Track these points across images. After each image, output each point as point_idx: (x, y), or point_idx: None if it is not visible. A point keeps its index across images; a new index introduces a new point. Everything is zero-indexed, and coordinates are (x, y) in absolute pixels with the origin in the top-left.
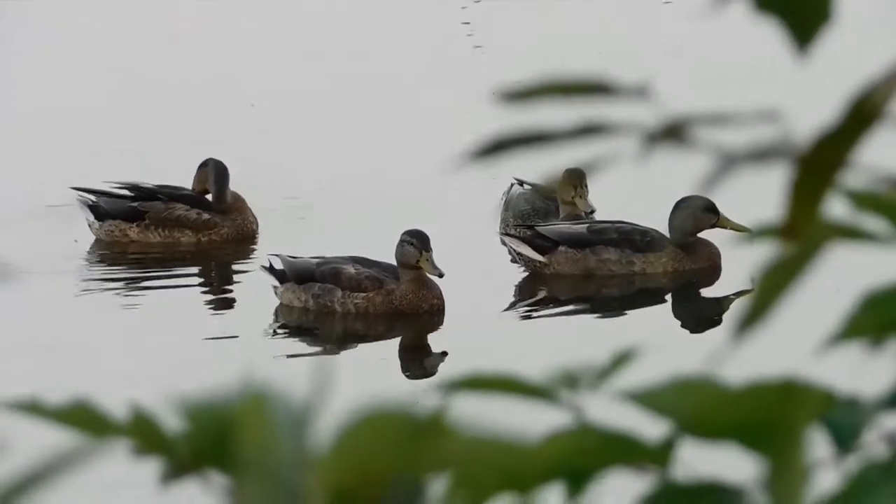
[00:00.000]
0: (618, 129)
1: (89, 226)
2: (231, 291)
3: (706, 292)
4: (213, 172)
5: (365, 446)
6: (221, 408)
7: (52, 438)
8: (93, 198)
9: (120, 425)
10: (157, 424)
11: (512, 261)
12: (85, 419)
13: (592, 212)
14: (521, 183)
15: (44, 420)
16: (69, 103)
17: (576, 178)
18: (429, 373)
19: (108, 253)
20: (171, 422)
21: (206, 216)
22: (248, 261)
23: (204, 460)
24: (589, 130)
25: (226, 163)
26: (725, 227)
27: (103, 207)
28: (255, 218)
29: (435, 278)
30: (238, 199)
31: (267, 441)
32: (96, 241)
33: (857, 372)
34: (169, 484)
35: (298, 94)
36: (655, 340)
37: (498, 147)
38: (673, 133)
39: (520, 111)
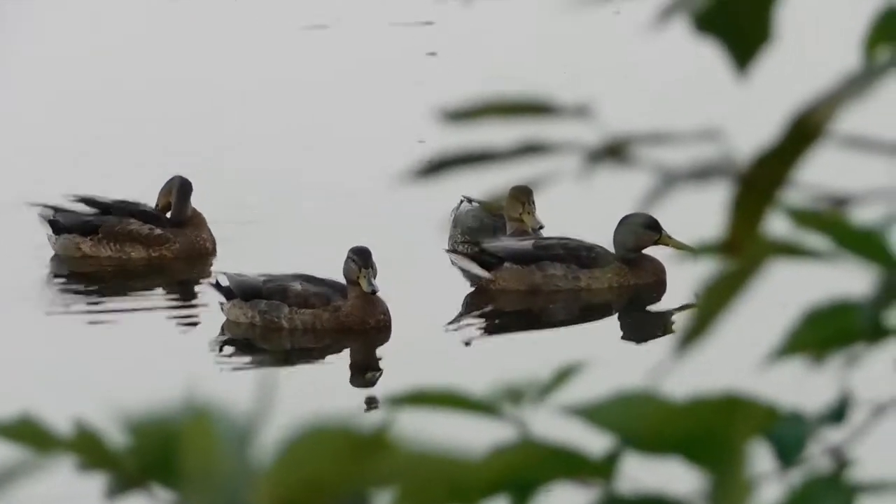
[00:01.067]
0: (560, 148)
1: (48, 239)
2: (179, 307)
3: (651, 307)
4: (176, 188)
5: (308, 461)
6: (166, 422)
7: None
8: (52, 213)
9: (64, 440)
10: (102, 439)
11: (458, 276)
12: (29, 434)
13: (541, 227)
14: (469, 200)
15: None
16: (27, 121)
17: (523, 195)
18: (374, 388)
19: (64, 268)
20: (116, 436)
21: (157, 231)
22: (199, 277)
23: (149, 475)
24: (531, 149)
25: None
26: (667, 245)
27: (61, 222)
28: (212, 236)
29: (381, 294)
30: (196, 216)
31: (211, 455)
32: (54, 255)
33: (801, 386)
34: (114, 498)
35: (251, 112)
36: (601, 355)
37: (442, 166)
38: (614, 152)
39: (463, 130)
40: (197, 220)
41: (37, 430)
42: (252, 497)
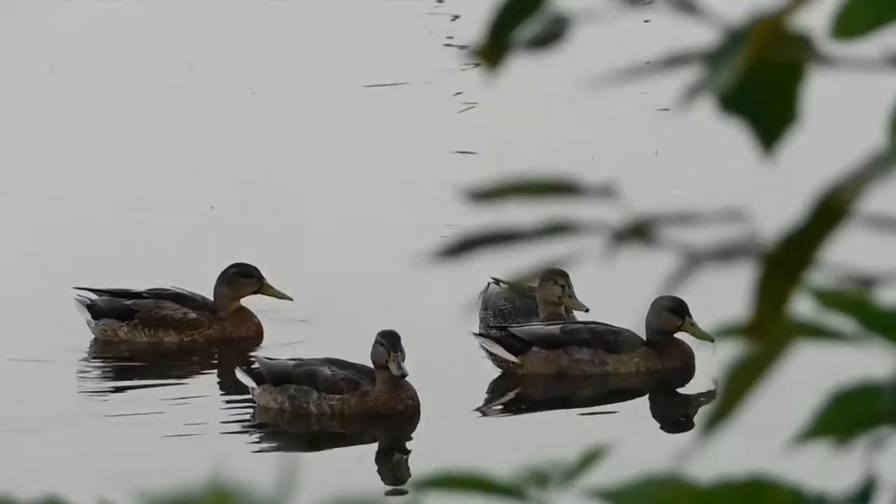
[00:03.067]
0: (585, 229)
1: (87, 324)
2: (211, 393)
3: (679, 391)
4: (222, 277)
5: None
6: None
7: None
8: (91, 297)
9: None
10: None
11: (486, 360)
12: None
13: (587, 310)
14: (497, 282)
15: None
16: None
17: (560, 278)
18: (402, 472)
19: (100, 352)
20: None
21: (192, 315)
22: (232, 363)
23: None
24: (556, 230)
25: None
26: (688, 333)
27: (99, 306)
28: (256, 324)
29: (410, 378)
30: (241, 311)
31: None
32: (94, 339)
33: (826, 469)
34: None
35: (274, 191)
36: (627, 439)
37: (466, 246)
38: (639, 232)
39: (487, 210)
40: (241, 316)
41: None
42: None
